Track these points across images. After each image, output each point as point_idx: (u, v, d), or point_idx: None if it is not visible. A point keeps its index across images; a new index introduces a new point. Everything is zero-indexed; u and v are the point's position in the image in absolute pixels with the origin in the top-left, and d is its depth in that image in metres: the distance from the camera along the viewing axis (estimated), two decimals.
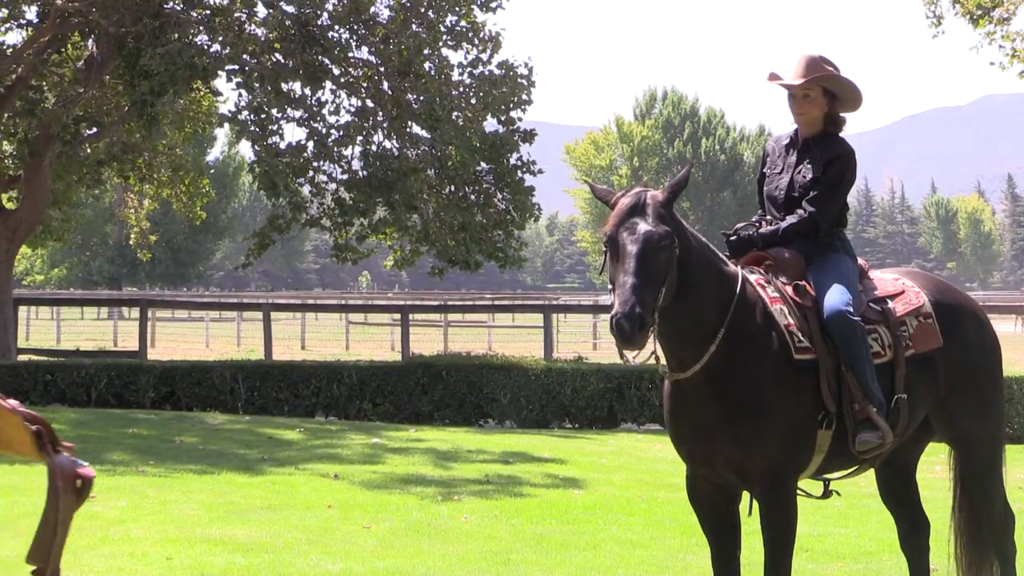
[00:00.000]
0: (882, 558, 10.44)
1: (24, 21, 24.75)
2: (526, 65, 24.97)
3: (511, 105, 24.66)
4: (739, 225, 7.52)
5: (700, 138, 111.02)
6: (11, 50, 24.46)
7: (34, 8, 24.15)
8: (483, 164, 24.85)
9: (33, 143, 23.73)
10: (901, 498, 8.07)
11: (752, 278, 7.03)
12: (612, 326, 6.22)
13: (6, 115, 24.63)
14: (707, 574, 9.84)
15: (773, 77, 7.57)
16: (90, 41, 24.60)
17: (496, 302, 54.34)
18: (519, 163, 24.96)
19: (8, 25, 25.27)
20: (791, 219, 7.34)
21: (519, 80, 24.76)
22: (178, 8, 22.86)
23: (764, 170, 7.73)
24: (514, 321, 48.91)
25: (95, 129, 25.51)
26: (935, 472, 8.77)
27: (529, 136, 25.01)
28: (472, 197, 24.79)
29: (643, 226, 6.42)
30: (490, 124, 25.21)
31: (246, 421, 20.39)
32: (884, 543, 11.02)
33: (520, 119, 25.10)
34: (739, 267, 7.06)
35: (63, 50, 25.20)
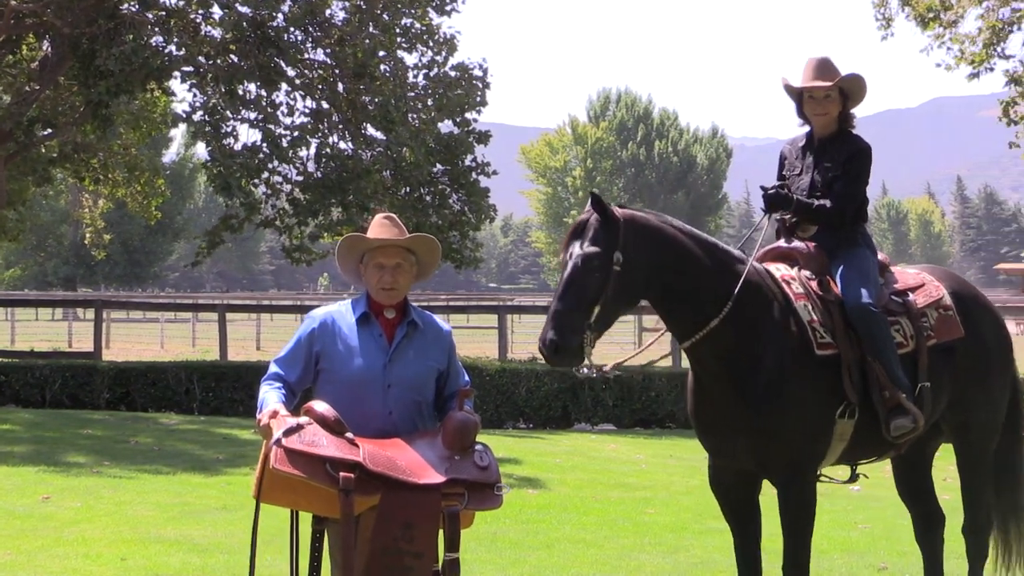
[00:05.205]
0: (832, 556, 10.58)
1: None
2: (481, 67, 25.04)
3: (466, 107, 24.71)
4: (776, 183, 7.76)
5: (653, 140, 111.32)
6: None
7: None
8: (438, 165, 24.87)
9: None
10: (916, 493, 8.30)
11: (778, 274, 7.28)
12: (539, 349, 6.71)
13: None
14: (659, 573, 9.99)
15: (791, 85, 7.75)
16: (45, 42, 24.48)
17: (451, 303, 54.22)
18: (474, 164, 25.03)
19: None
20: (825, 201, 7.56)
21: (474, 82, 24.82)
22: (133, 9, 22.76)
23: (783, 172, 7.94)
24: (469, 322, 48.87)
25: (49, 130, 25.36)
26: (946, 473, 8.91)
27: (484, 138, 25.07)
28: (427, 198, 24.80)
29: (575, 249, 6.69)
30: (445, 125, 25.25)
31: (201, 422, 20.37)
32: (836, 541, 11.17)
33: (475, 120, 25.16)
34: (752, 263, 7.18)
35: (18, 51, 25.04)
